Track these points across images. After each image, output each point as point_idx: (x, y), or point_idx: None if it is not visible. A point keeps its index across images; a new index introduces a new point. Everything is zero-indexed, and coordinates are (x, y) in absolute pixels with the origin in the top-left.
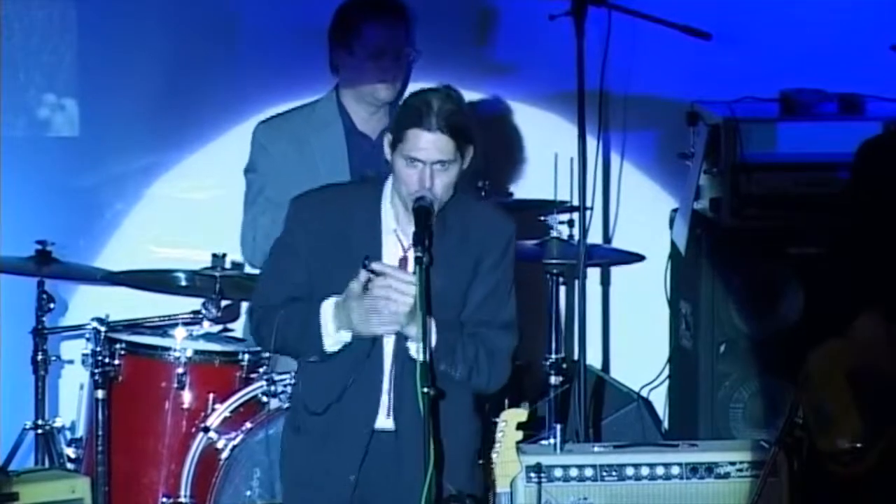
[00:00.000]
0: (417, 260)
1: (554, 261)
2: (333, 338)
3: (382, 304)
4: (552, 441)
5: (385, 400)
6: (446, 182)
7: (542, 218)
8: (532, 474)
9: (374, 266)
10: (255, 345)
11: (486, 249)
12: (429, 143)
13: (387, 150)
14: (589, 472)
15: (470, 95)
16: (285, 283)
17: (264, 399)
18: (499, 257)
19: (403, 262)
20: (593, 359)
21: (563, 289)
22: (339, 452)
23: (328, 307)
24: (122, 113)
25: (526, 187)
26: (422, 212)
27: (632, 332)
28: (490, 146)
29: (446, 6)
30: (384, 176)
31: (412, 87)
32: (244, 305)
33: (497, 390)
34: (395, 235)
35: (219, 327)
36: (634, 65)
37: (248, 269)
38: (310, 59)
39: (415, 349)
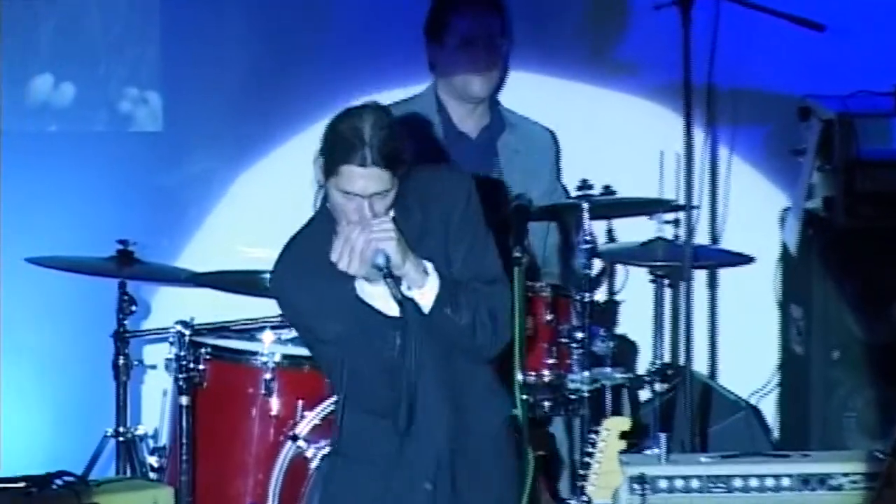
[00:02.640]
0: (516, 261)
1: (659, 262)
2: (379, 297)
3: (355, 237)
4: (657, 451)
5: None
6: (386, 205)
7: (647, 217)
8: (635, 485)
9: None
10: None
11: (449, 208)
12: (363, 178)
13: (318, 175)
14: (695, 484)
15: (575, 87)
16: (332, 345)
17: None
18: (463, 211)
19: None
20: (700, 365)
21: (668, 292)
22: (409, 466)
23: (356, 287)
24: (206, 106)
25: (629, 185)
26: (519, 211)
27: (740, 337)
28: (592, 140)
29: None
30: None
31: (520, 80)
32: None
33: (497, 352)
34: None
35: None
36: (744, 57)
37: None
38: (404, 50)
39: (419, 294)
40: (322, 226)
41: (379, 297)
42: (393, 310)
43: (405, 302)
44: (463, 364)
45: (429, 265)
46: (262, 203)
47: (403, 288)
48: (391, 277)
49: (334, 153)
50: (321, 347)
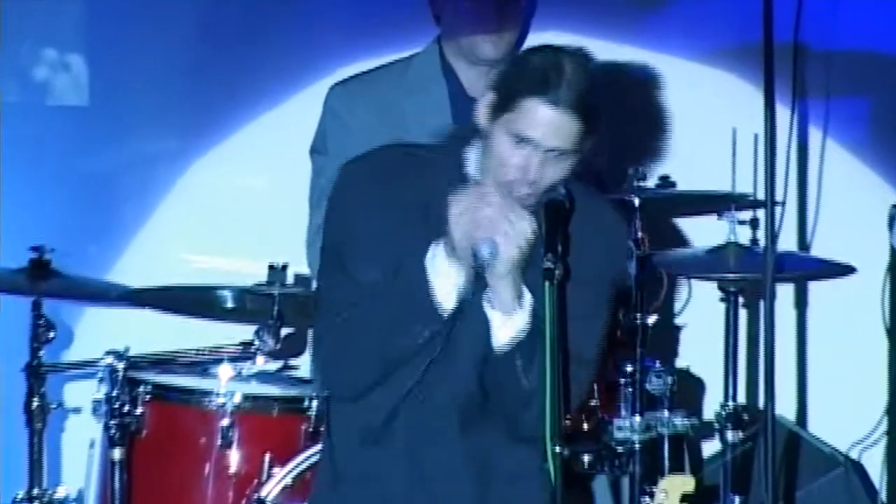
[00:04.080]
0: (547, 273)
1: (731, 274)
2: (448, 279)
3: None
4: None
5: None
6: (555, 176)
7: (717, 216)
8: None
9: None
10: (331, 390)
11: (588, 252)
12: (549, 122)
13: (483, 114)
14: None
15: (620, 50)
16: (356, 286)
17: None
18: (602, 268)
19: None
20: (785, 407)
21: (744, 312)
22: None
23: (430, 251)
24: (146, 75)
25: (694, 175)
26: (553, 208)
27: (837, 371)
28: (645, 119)
29: None
30: (466, 136)
31: (549, 40)
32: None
33: (530, 437)
34: None
35: (278, 364)
36: (841, 9)
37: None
38: (402, 4)
39: (498, 321)
40: (442, 158)
41: (444, 276)
42: (445, 299)
43: (469, 313)
44: (496, 433)
45: (528, 298)
46: (218, 200)
47: (484, 299)
48: (478, 272)
49: (519, 83)
50: (336, 279)
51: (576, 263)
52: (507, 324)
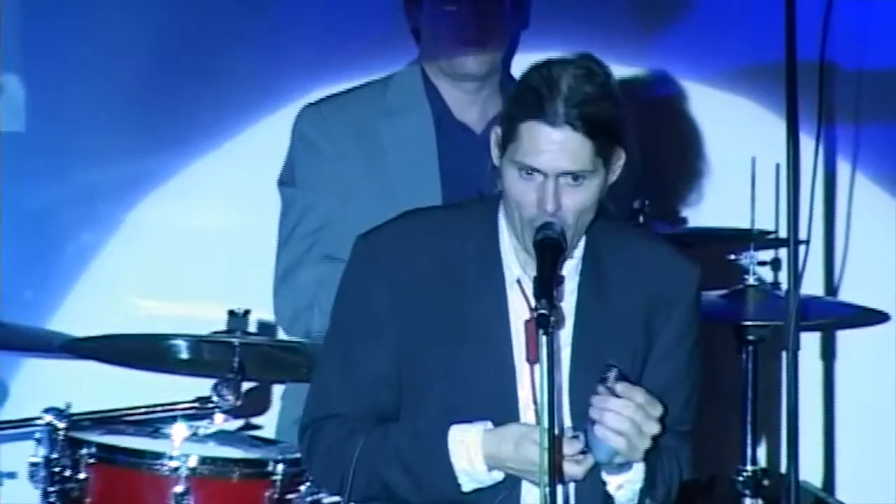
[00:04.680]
0: (541, 320)
1: (750, 322)
2: (479, 478)
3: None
4: None
5: None
6: (580, 203)
7: (733, 257)
8: None
9: (617, 387)
10: (322, 485)
11: (664, 310)
12: (552, 144)
13: (494, 151)
14: None
15: (625, 71)
16: (362, 379)
17: None
18: (683, 323)
19: (532, 326)
20: (809, 471)
21: (763, 364)
22: None
23: (473, 436)
24: (91, 98)
25: (708, 209)
26: (547, 246)
27: (868, 430)
28: (652, 146)
29: None
30: (498, 194)
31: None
32: (278, 390)
33: None
34: (519, 286)
35: (239, 423)
36: (874, 24)
37: (283, 335)
38: (381, 21)
39: (616, 486)
40: (470, 219)
41: (471, 475)
42: (466, 484)
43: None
44: None
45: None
46: (171, 238)
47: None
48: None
49: (516, 107)
50: (338, 371)
51: (655, 307)
52: (626, 483)
